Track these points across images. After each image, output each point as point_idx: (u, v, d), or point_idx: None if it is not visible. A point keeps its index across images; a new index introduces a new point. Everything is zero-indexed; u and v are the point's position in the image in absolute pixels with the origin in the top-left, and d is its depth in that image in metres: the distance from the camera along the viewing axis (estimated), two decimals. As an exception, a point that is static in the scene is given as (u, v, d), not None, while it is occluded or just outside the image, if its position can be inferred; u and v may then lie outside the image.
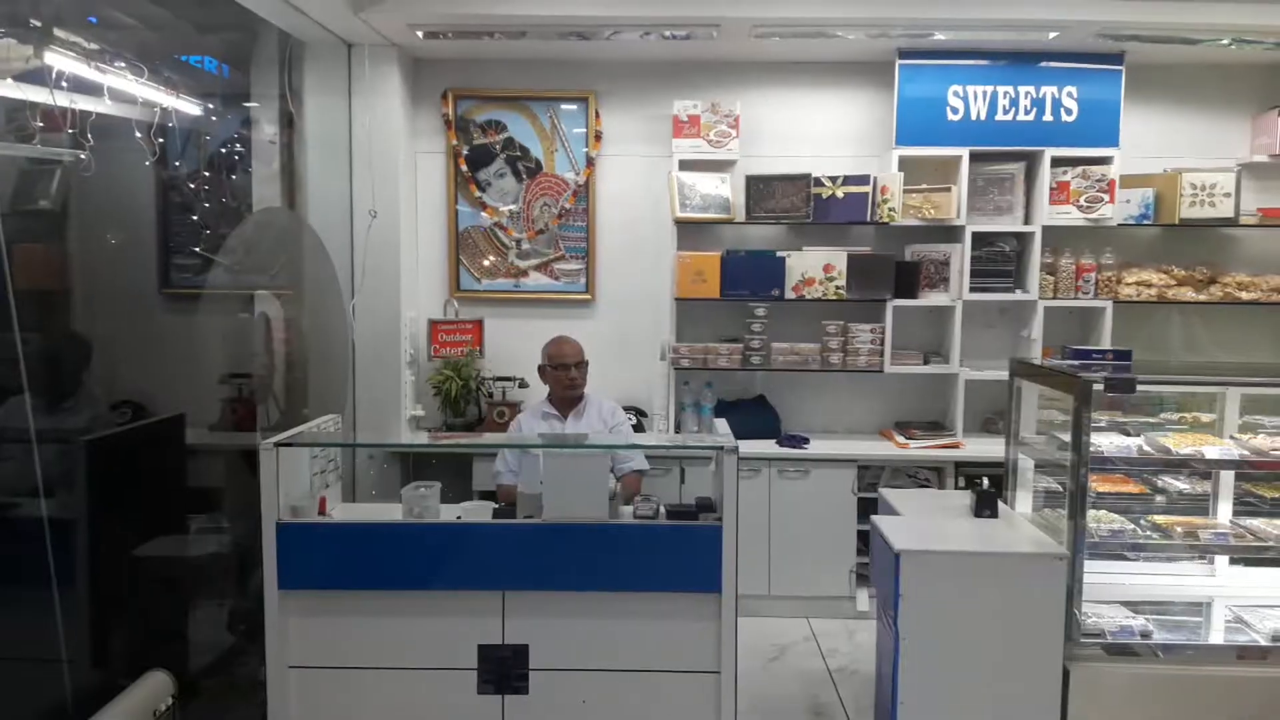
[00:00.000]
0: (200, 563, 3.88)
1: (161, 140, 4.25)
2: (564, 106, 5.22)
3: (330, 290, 4.78)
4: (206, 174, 4.65)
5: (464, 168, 5.22)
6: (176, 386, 4.27)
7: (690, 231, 5.06)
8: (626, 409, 5.06)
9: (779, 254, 4.93)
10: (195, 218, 4.69)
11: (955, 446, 4.88)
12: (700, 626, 3.10)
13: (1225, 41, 4.51)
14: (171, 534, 3.77)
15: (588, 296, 5.29)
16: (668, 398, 5.02)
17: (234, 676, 3.69)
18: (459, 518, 3.26)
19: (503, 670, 3.10)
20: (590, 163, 5.22)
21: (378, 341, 4.99)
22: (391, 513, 3.28)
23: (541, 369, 4.26)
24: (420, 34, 4.63)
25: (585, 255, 5.27)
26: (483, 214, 5.25)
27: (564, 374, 4.15)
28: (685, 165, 4.99)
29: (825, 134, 5.18)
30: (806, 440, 4.98)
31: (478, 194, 5.24)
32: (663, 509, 3.28)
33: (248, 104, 4.74)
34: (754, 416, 5.12)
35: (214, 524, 3.99)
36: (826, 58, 5.05)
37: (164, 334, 4.58)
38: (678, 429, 5.02)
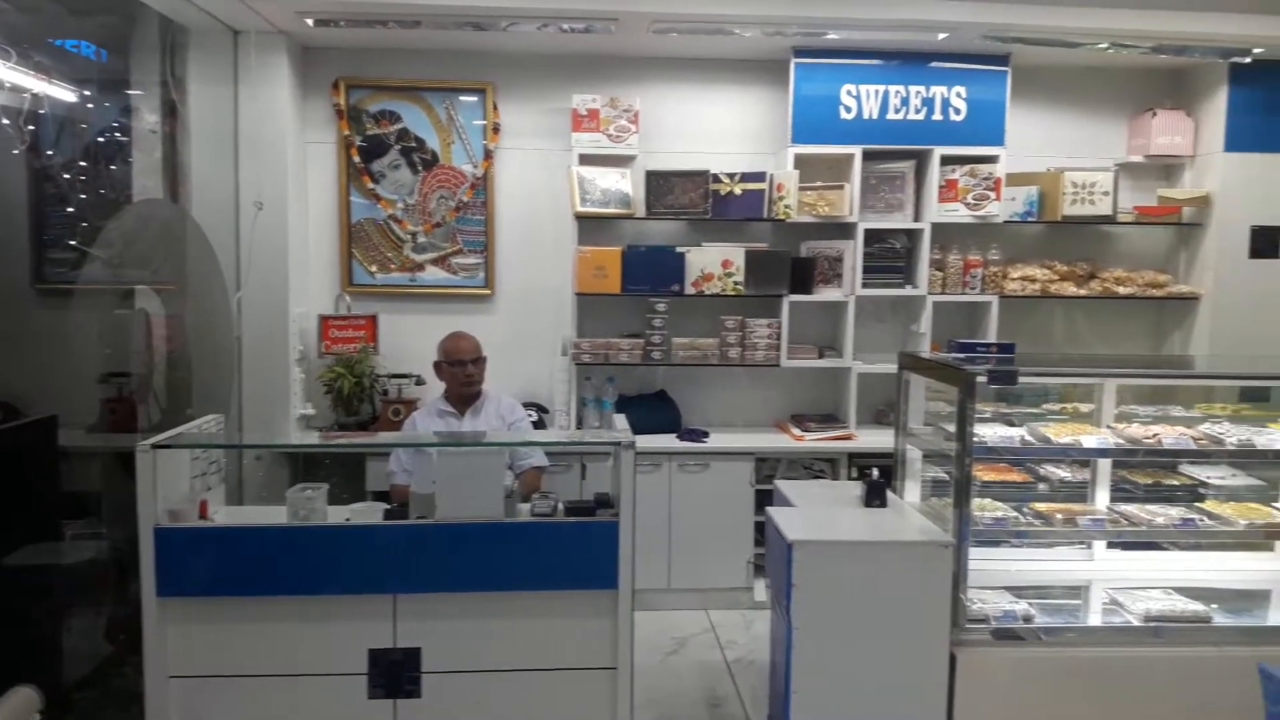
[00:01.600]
0: (76, 570, 3.71)
1: (33, 128, 4.04)
2: (461, 98, 5.14)
3: (215, 285, 4.61)
4: (83, 164, 4.43)
5: (357, 159, 5.09)
6: (51, 386, 4.07)
7: (591, 226, 5.03)
8: (527, 405, 5.02)
9: (679, 250, 4.95)
10: (71, 209, 4.46)
11: (848, 438, 4.98)
12: (597, 623, 3.09)
13: (1104, 46, 4.70)
14: (44, 541, 3.59)
15: (487, 291, 5.22)
16: (569, 393, 4.99)
17: (111, 688, 3.54)
18: (348, 520, 3.18)
19: (394, 674, 3.04)
20: (489, 155, 5.15)
21: (265, 338, 4.83)
22: (277, 516, 3.18)
23: (437, 365, 4.18)
24: (310, 21, 4.50)
25: (484, 249, 5.20)
26: (377, 206, 5.13)
27: (460, 370, 4.08)
28: (585, 160, 4.97)
29: (724, 130, 5.22)
30: (706, 434, 5.02)
31: (371, 186, 5.12)
32: (561, 506, 3.26)
33: (128, 91, 4.53)
34: (655, 411, 5.14)
35: (91, 530, 3.82)
36: (725, 55, 5.09)
37: (37, 331, 4.35)
38: (579, 425, 5.00)
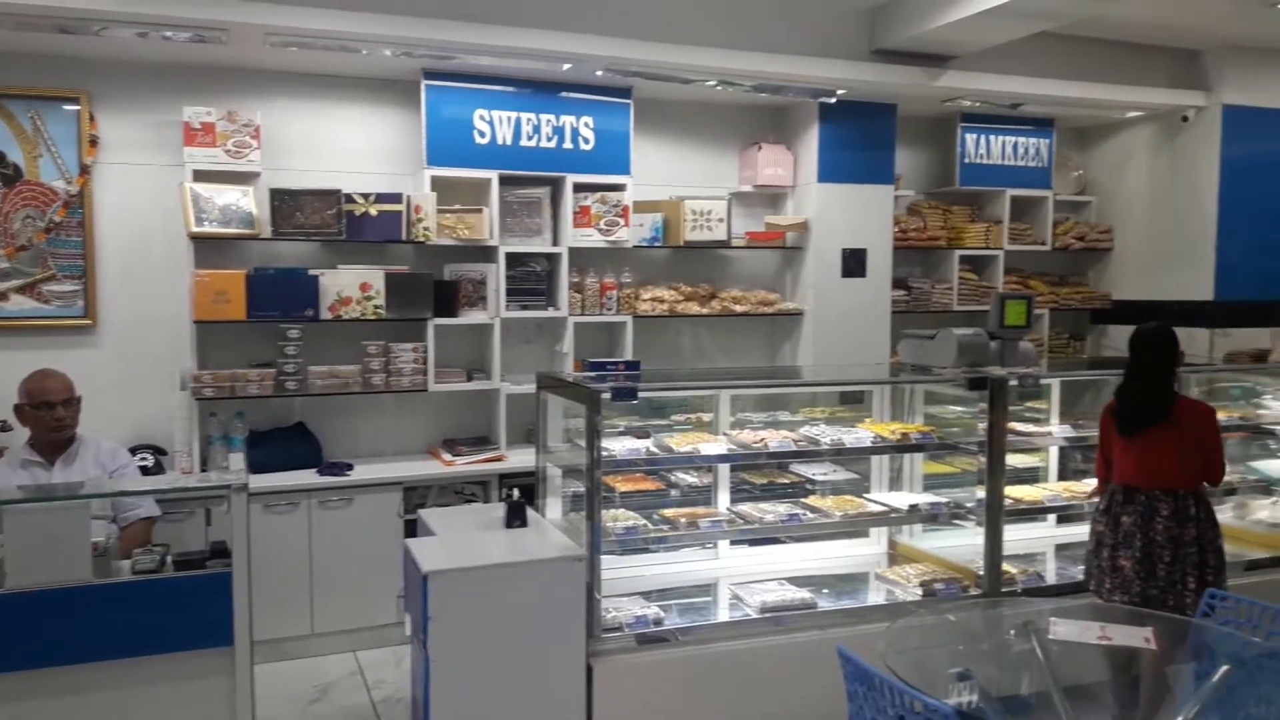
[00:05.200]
0: None
1: None
2: (52, 107, 4.55)
3: None
4: None
5: (-86, 172, 4.36)
6: None
7: (211, 248, 4.65)
8: (142, 447, 4.57)
9: (312, 272, 4.71)
10: None
11: (499, 459, 4.99)
12: (211, 684, 2.85)
13: (712, 83, 5.10)
14: None
15: (87, 321, 4.65)
16: (190, 432, 4.55)
17: None
18: (-109, 598, 2.68)
19: (-44, 775, 2.59)
20: (85, 171, 4.60)
21: None
22: None
23: (19, 409, 3.63)
24: None
25: (83, 274, 4.63)
26: (-58, 228, 4.41)
27: (48, 414, 3.58)
28: (201, 176, 4.59)
29: (357, 150, 5.05)
30: (350, 467, 4.80)
31: (-65, 204, 4.40)
32: (169, 559, 2.97)
33: None
34: (292, 445, 4.83)
35: None
36: (354, 72, 4.93)
37: None
38: (204, 466, 4.58)
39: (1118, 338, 6.43)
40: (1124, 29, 5.62)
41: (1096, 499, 3.82)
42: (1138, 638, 2.83)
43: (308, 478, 4.64)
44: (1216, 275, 5.93)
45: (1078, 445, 4.63)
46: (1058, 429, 4.58)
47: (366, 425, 5.15)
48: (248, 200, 4.64)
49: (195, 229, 4.49)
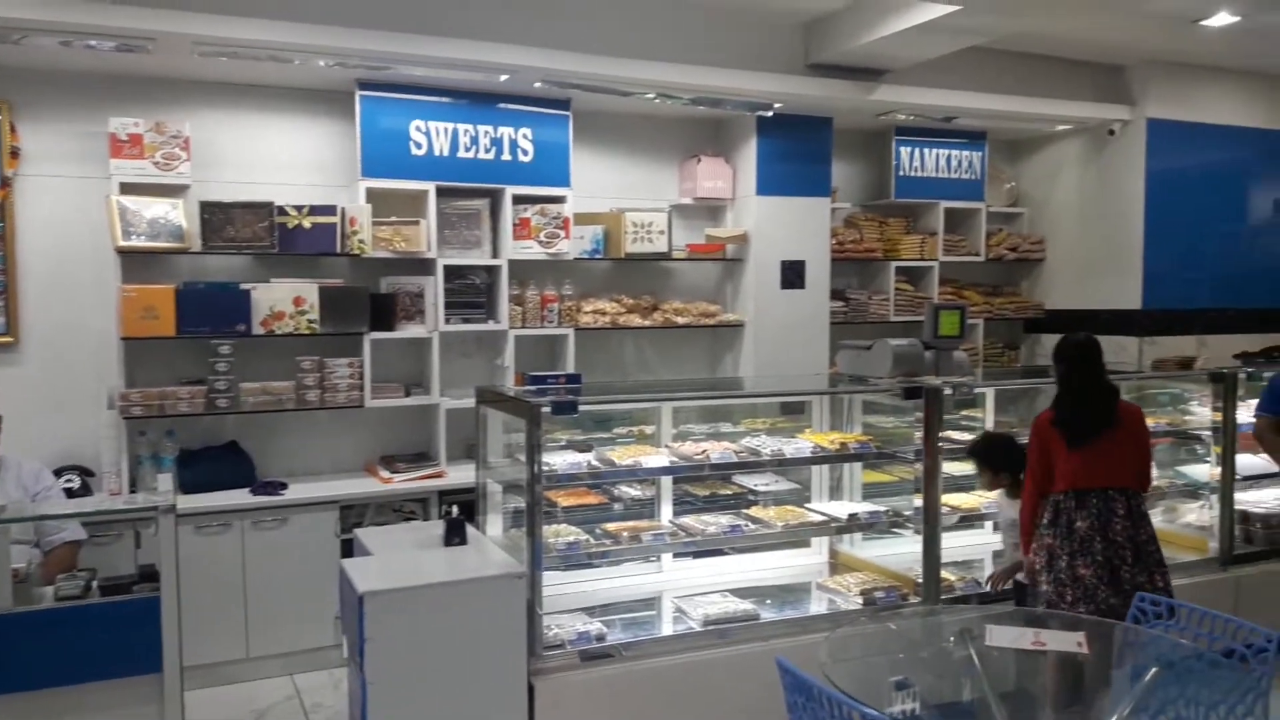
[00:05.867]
0: None
1: None
2: (-30, 117, 4.41)
3: None
4: None
5: None
6: None
7: (139, 262, 4.54)
8: (69, 468, 4.44)
9: (244, 286, 4.61)
10: None
11: (439, 476, 4.92)
12: (140, 712, 2.76)
13: (650, 95, 5.11)
14: None
15: (9, 339, 4.49)
16: (119, 452, 4.42)
17: None
18: None
19: None
20: (6, 183, 4.45)
21: None
22: None
23: (-66, 430, 3.51)
24: None
25: (3, 290, 4.47)
26: None
27: (-35, 435, 3.46)
28: (128, 189, 4.47)
29: (290, 162, 4.96)
30: (284, 486, 4.69)
31: None
32: (95, 585, 2.87)
33: None
34: (224, 464, 4.72)
35: None
36: (286, 82, 4.85)
37: None
38: (134, 486, 4.46)
39: (1051, 346, 6.51)
40: (1052, 45, 5.76)
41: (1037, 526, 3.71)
42: (1071, 643, 2.88)
43: (241, 498, 4.54)
44: (1144, 284, 6.09)
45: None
46: (993, 436, 4.64)
47: (301, 443, 5.05)
48: (177, 213, 4.52)
49: (122, 243, 4.37)
